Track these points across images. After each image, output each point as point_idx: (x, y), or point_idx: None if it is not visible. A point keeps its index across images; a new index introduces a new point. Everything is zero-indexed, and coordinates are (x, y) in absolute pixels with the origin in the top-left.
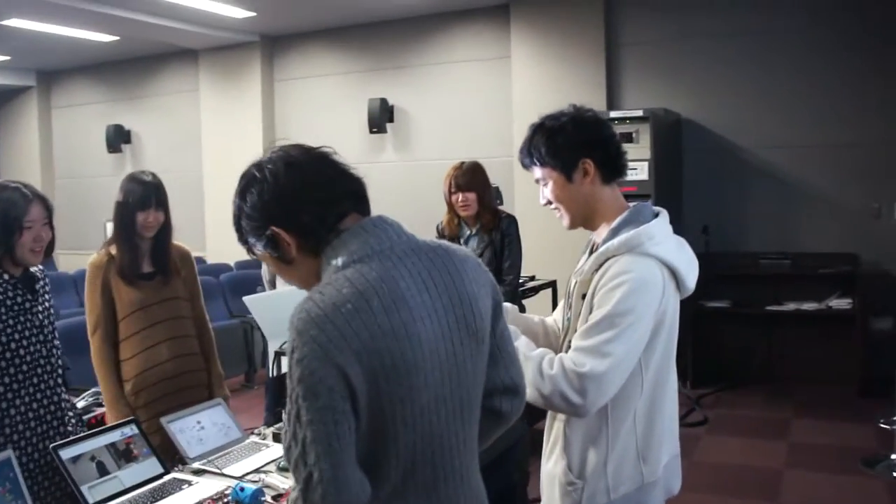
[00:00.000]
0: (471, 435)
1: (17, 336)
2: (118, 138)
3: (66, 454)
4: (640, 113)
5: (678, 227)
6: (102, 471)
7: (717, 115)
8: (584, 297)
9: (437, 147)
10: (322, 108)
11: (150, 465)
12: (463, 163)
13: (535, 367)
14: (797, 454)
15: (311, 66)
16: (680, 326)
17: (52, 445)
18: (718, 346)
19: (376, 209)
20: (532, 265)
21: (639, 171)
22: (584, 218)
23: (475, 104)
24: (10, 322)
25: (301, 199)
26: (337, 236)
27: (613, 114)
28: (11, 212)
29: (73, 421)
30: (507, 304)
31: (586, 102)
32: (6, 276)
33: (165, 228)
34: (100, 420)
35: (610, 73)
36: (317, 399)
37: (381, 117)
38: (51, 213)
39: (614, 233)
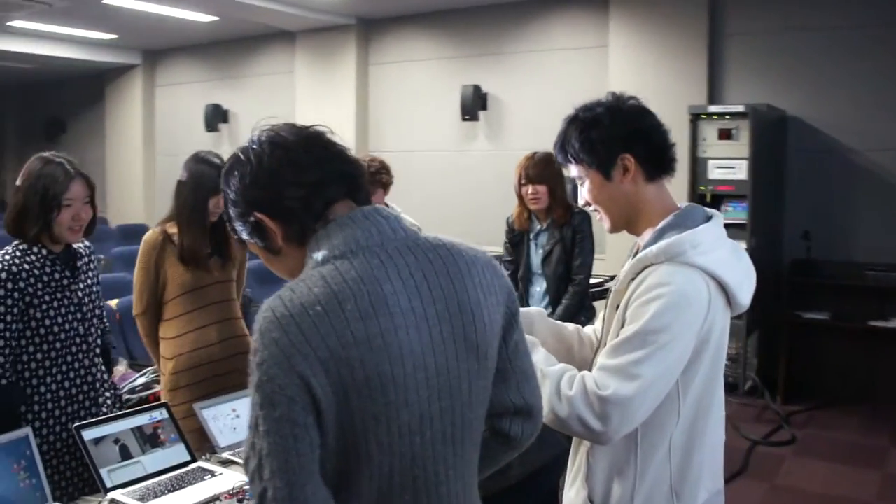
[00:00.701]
0: (465, 461)
1: (52, 313)
2: (216, 117)
3: (88, 435)
4: (740, 108)
5: (777, 231)
6: (125, 454)
7: (826, 114)
8: (617, 308)
9: (530, 137)
10: (415, 93)
11: (176, 452)
12: (535, 153)
13: (553, 385)
14: (892, 487)
15: (406, 50)
16: (774, 337)
17: (74, 426)
18: (814, 361)
19: (465, 198)
20: (612, 265)
21: (737, 170)
22: (626, 220)
23: (570, 94)
24: (46, 298)
25: (284, 182)
26: (325, 226)
27: (712, 108)
28: (52, 188)
29: (108, 402)
30: (533, 310)
31: (685, 95)
32: (44, 252)
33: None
34: (158, 397)
35: (712, 65)
36: (274, 409)
37: (474, 105)
38: (93, 191)
39: (657, 237)
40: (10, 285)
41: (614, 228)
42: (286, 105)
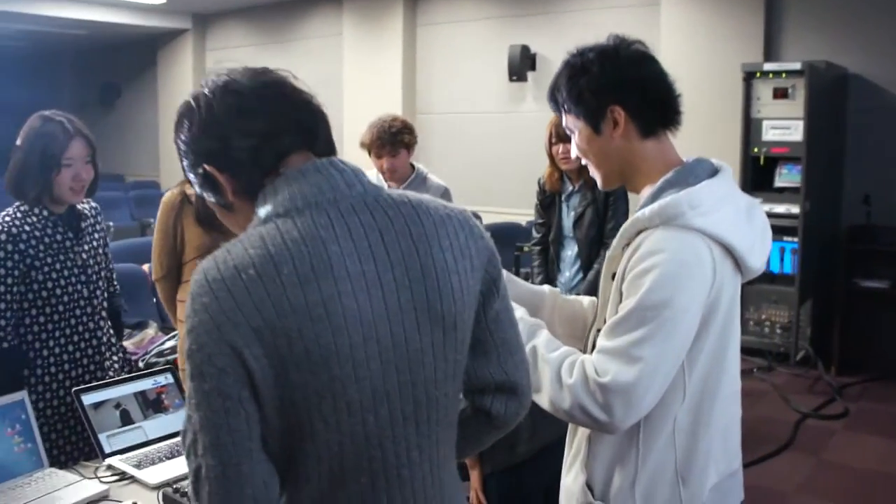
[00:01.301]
0: (432, 441)
1: (54, 275)
2: None
3: (88, 399)
4: (797, 66)
5: (834, 196)
6: (126, 419)
7: (889, 71)
8: (613, 277)
9: None
10: (462, 54)
11: (180, 418)
12: None
13: (553, 374)
14: None
15: (454, 10)
16: (828, 306)
17: (74, 389)
18: (871, 331)
19: (513, 160)
20: None
21: (792, 131)
22: (619, 177)
23: None
24: (49, 261)
25: (232, 131)
26: (274, 180)
27: (768, 66)
28: (50, 147)
29: (116, 366)
30: (545, 288)
31: (739, 53)
32: (45, 213)
33: None
34: None
35: (768, 20)
36: (204, 380)
37: (522, 65)
38: (94, 150)
39: (654, 197)
40: (10, 247)
41: (606, 184)
42: (334, 68)
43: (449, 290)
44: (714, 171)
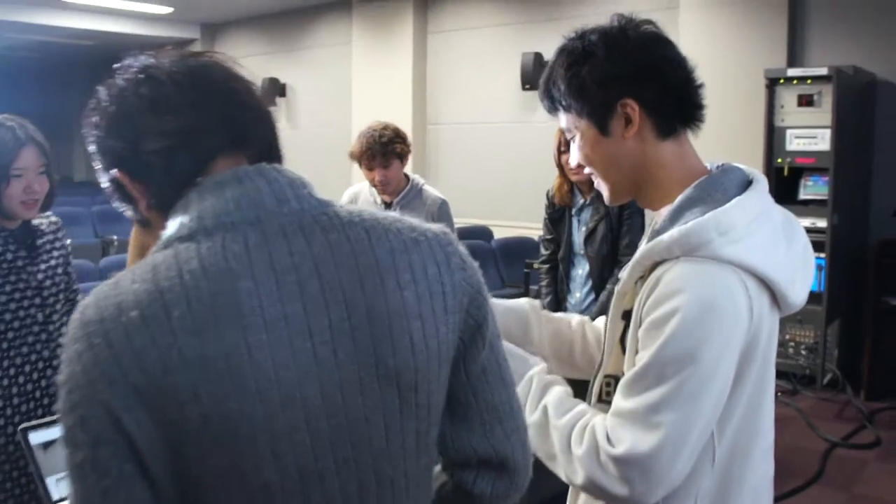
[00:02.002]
0: None
1: (3, 298)
2: (273, 91)
3: (36, 438)
4: (823, 71)
5: (863, 209)
6: None
7: None
8: (624, 317)
9: None
10: (474, 62)
11: None
12: None
13: (563, 443)
14: None
15: (465, 17)
16: (857, 325)
17: (21, 427)
18: None
19: (526, 172)
20: None
21: (818, 140)
22: (631, 189)
23: None
24: None
25: (143, 128)
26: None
27: (792, 72)
28: None
29: None
30: (523, 301)
31: (762, 58)
32: None
33: None
34: None
35: (793, 24)
36: (77, 450)
37: (535, 73)
38: (48, 159)
39: (673, 217)
40: None
41: (615, 198)
42: (343, 77)
43: (406, 340)
44: (745, 183)
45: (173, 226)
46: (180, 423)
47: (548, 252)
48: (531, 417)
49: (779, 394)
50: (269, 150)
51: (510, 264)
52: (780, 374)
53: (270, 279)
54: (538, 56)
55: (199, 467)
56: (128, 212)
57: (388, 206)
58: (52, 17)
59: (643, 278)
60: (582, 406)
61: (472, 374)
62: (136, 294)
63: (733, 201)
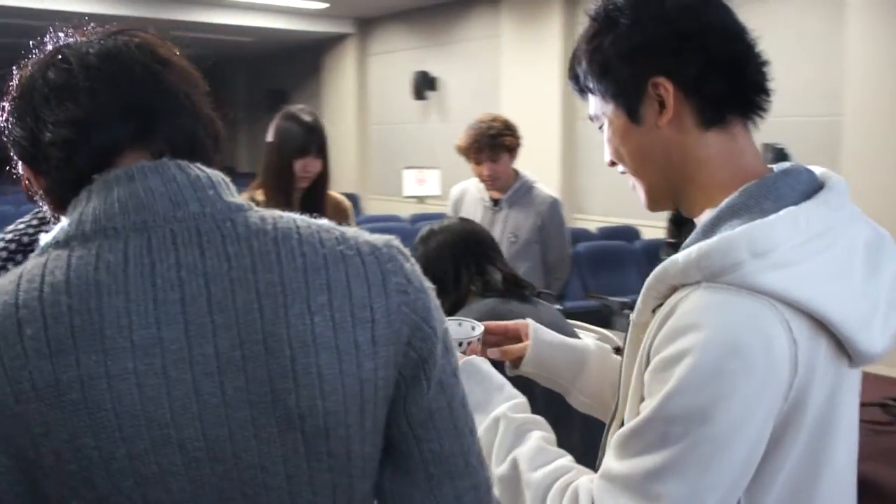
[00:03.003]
0: None
1: None
2: (424, 85)
3: None
4: None
5: None
6: None
7: None
8: (641, 351)
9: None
10: None
11: None
12: None
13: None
14: None
15: None
16: None
17: None
18: None
19: None
20: None
21: None
22: (672, 191)
23: (796, 50)
24: None
25: (43, 118)
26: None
27: None
28: None
29: None
30: (590, 341)
31: None
32: None
33: (322, 178)
34: None
35: None
36: None
37: None
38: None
39: (707, 231)
40: None
41: (653, 203)
42: (492, 70)
43: (312, 377)
44: (814, 190)
45: (55, 229)
46: (35, 460)
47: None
48: (498, 470)
49: None
50: (186, 144)
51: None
52: None
53: (148, 296)
54: None
55: None
56: (47, 213)
57: (496, 202)
58: (212, 14)
59: (660, 306)
60: (563, 461)
61: (414, 419)
62: None
63: (782, 212)
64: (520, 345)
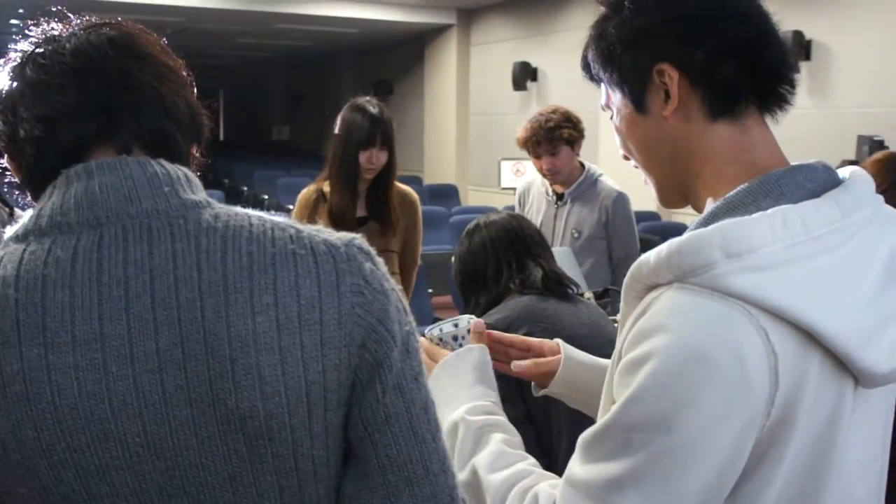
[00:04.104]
0: None
1: None
2: (524, 76)
3: None
4: None
5: None
6: None
7: None
8: (616, 350)
9: (865, 93)
10: None
11: None
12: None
13: None
14: None
15: None
16: None
17: None
18: None
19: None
20: None
21: None
22: (680, 185)
23: None
24: None
25: (20, 113)
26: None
27: None
28: None
29: None
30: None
31: None
32: None
33: (388, 170)
34: None
35: None
36: None
37: (796, 55)
38: None
39: (700, 227)
40: None
41: (664, 199)
42: None
43: (252, 378)
44: (829, 188)
45: (17, 224)
46: None
47: None
48: (461, 476)
49: None
50: (154, 140)
51: None
52: None
53: (93, 291)
54: (797, 34)
55: (9, 502)
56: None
57: (559, 197)
58: (318, 6)
59: (638, 306)
60: (523, 464)
61: (370, 423)
62: None
63: (770, 210)
64: (551, 358)
